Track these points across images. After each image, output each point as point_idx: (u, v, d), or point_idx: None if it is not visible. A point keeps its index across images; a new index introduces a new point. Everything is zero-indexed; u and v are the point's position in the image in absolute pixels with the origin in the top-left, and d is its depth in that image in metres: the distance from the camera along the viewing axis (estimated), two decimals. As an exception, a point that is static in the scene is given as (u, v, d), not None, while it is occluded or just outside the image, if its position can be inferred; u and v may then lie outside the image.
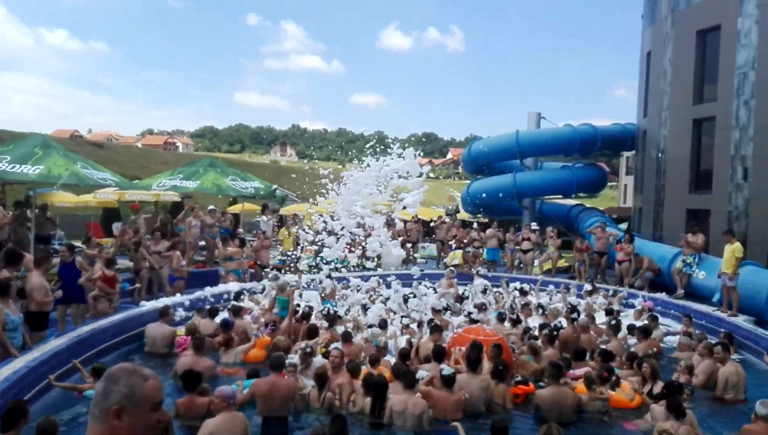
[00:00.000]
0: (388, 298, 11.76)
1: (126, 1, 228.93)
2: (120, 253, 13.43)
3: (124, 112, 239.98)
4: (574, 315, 9.81)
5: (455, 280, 13.83)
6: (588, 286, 13.72)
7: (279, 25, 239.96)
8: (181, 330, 9.46)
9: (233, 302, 10.97)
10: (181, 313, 10.94)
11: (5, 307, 7.12)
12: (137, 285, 12.14)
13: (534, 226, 18.34)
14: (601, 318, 11.09)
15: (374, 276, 14.45)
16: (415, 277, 13.11)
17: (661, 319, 11.43)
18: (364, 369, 7.23)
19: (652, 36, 20.14)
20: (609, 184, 30.62)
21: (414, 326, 9.66)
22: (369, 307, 11.07)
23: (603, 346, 8.70)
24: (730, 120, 16.19)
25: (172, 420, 5.81)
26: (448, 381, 6.59)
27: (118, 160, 48.20)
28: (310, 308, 10.38)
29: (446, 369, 6.79)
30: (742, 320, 11.16)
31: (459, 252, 18.14)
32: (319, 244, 13.16)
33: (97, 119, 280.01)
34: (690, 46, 17.73)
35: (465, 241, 18.06)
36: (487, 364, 7.34)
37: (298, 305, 10.62)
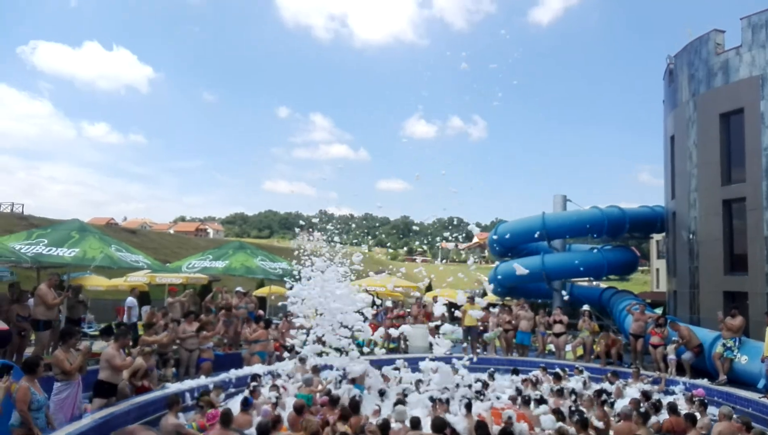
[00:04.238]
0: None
1: (165, 97, 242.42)
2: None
3: (157, 199, 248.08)
4: (604, 397, 9.49)
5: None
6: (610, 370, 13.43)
7: (308, 117, 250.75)
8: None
9: (252, 383, 10.84)
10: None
11: (32, 385, 7.12)
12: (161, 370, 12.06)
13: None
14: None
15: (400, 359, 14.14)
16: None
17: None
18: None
19: (674, 120, 20.39)
20: (640, 268, 30.17)
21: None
22: (386, 393, 10.84)
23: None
24: (761, 200, 16.00)
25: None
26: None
27: (150, 247, 49.24)
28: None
29: None
30: (791, 408, 10.53)
31: (499, 329, 17.62)
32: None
33: (132, 207, 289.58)
34: (714, 129, 17.86)
35: (497, 323, 17.67)
36: None
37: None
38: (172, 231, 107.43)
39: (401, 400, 9.42)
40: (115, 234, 40.63)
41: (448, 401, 9.95)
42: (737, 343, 13.27)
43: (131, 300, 16.11)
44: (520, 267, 17.28)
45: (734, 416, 9.82)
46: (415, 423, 8.22)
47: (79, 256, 13.04)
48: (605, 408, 10.15)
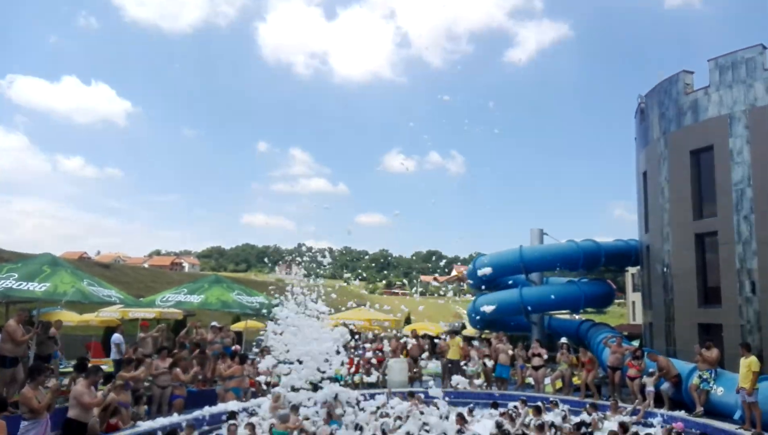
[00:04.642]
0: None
1: (142, 131, 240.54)
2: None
3: (132, 233, 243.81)
4: (583, 429, 9.46)
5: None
6: (590, 401, 13.45)
7: (287, 151, 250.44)
8: None
9: (230, 421, 10.58)
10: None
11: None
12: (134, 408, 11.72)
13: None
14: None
15: (381, 394, 13.97)
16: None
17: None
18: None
19: (646, 157, 20.87)
20: (616, 301, 30.43)
21: None
22: (364, 429, 10.70)
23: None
24: (732, 234, 16.37)
25: None
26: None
27: (123, 281, 48.34)
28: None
29: None
30: (768, 440, 10.58)
31: (480, 363, 17.52)
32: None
33: (107, 241, 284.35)
34: (685, 166, 18.32)
35: (475, 356, 17.59)
36: None
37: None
38: (146, 265, 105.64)
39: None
40: (88, 268, 39.76)
41: None
42: (713, 375, 13.37)
43: (117, 336, 15.73)
44: (487, 306, 17.43)
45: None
46: None
47: (50, 291, 12.73)
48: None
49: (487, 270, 20.82)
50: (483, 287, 24.10)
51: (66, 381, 11.96)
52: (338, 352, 12.66)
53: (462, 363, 17.68)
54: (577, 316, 24.63)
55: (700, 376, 13.45)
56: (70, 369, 14.85)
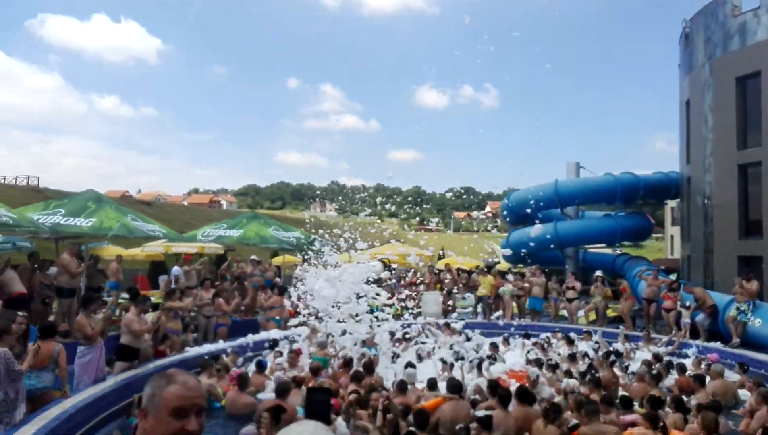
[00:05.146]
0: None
1: (173, 69, 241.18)
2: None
3: (170, 172, 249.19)
4: (612, 358, 9.72)
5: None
6: (623, 331, 13.75)
7: (318, 87, 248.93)
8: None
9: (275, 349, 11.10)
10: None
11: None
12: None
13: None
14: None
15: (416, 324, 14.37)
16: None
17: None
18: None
19: (690, 84, 20.06)
20: (654, 235, 30.00)
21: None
22: (399, 355, 11.08)
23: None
24: (777, 164, 15.83)
25: None
26: (486, 423, 6.48)
27: (165, 218, 49.57)
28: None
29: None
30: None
31: (513, 287, 17.71)
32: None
33: (145, 180, 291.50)
34: (730, 93, 17.59)
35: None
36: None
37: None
38: (185, 203, 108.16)
39: (411, 363, 9.60)
40: (131, 206, 40.98)
41: (452, 365, 10.06)
42: (751, 307, 13.28)
43: (177, 269, 16.32)
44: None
45: (746, 377, 9.96)
46: (432, 384, 8.39)
47: (96, 226, 13.21)
48: (616, 370, 10.27)
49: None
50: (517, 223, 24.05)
51: (117, 311, 12.59)
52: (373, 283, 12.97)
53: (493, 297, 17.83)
54: (615, 251, 24.51)
55: (737, 308, 13.38)
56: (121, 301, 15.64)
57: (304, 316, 13.15)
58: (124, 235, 14.04)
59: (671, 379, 10.07)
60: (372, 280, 14.63)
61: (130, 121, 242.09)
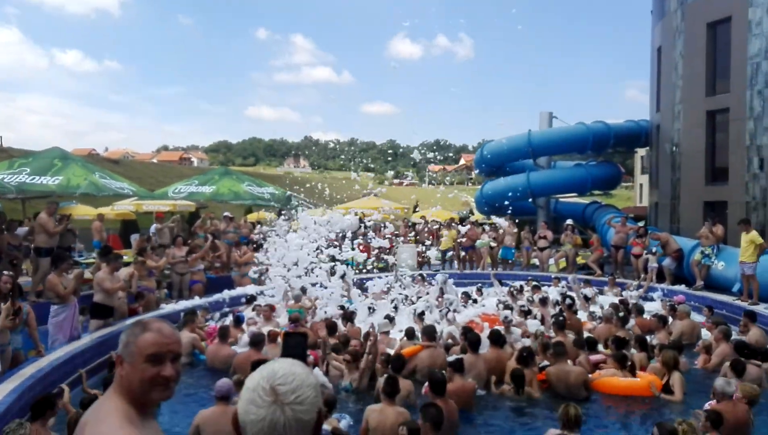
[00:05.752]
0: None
1: (137, 20, 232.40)
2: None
3: (138, 129, 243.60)
4: (568, 301, 10.51)
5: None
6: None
7: (288, 38, 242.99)
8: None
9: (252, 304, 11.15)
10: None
11: None
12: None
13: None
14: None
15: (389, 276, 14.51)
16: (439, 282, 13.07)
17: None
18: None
19: (662, 30, 20.07)
20: (624, 184, 30.48)
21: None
22: (375, 309, 11.21)
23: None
24: (744, 111, 16.07)
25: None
26: (457, 366, 6.67)
27: (134, 176, 48.51)
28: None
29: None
30: (762, 308, 11.03)
31: (488, 239, 17.97)
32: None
33: (112, 137, 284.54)
34: (701, 39, 17.65)
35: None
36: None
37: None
38: (155, 160, 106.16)
39: (388, 315, 9.69)
40: (98, 164, 40.07)
41: (422, 314, 10.11)
42: (715, 250, 13.71)
43: (156, 226, 16.05)
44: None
45: (705, 319, 10.38)
46: (410, 333, 8.56)
47: (63, 184, 12.96)
48: (582, 313, 10.68)
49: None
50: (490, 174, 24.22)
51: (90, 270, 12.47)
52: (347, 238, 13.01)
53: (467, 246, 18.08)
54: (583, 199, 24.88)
55: (702, 252, 13.79)
56: (92, 260, 15.44)
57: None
58: (92, 192, 13.81)
59: (633, 322, 10.43)
60: (349, 234, 14.71)
61: (95, 75, 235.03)
